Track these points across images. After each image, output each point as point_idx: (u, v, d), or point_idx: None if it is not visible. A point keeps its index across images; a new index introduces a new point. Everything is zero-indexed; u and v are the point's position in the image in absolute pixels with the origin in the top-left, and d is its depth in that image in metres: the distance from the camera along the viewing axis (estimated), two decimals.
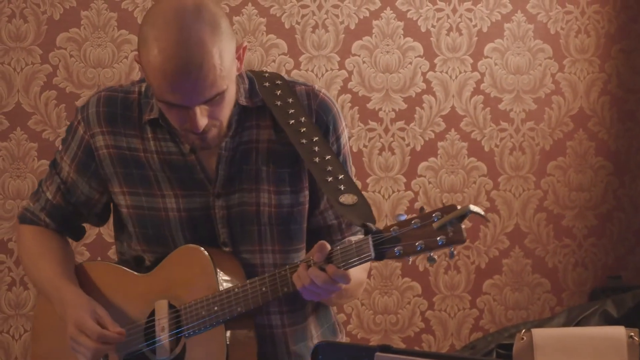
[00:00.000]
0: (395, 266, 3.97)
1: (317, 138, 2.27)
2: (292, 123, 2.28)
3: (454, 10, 3.97)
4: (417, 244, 2.02)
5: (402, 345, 3.97)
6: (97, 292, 2.39)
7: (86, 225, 2.52)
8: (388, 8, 3.90)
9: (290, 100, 2.30)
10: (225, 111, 2.20)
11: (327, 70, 3.86)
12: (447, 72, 3.97)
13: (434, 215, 2.01)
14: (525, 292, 4.10)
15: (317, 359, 2.05)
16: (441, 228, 2.00)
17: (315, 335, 2.42)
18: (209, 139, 2.22)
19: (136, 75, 3.65)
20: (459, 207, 1.99)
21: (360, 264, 2.10)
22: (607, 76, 4.14)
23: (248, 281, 2.23)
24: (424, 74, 3.95)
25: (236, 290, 2.22)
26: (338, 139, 2.34)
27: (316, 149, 2.25)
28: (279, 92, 2.31)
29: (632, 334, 2.55)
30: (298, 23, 3.83)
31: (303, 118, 2.28)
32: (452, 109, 3.99)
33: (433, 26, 3.95)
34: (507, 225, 4.08)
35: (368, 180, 3.91)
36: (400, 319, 3.99)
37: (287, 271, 2.18)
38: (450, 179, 4.00)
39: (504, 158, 4.05)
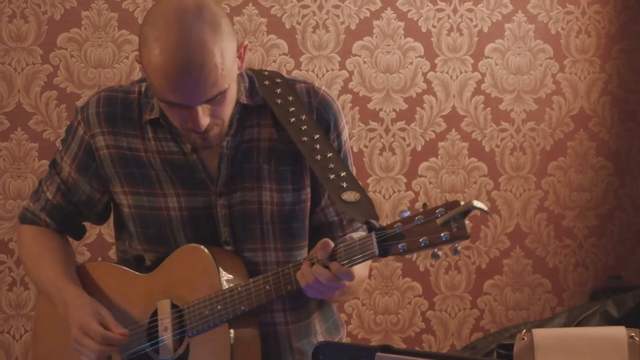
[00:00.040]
0: (395, 266, 3.97)
1: (318, 136, 2.27)
2: (293, 121, 2.28)
3: (455, 11, 3.97)
4: (420, 240, 2.02)
5: (403, 346, 3.97)
6: (99, 292, 2.39)
7: (87, 225, 2.52)
8: (389, 8, 3.90)
9: (291, 98, 2.30)
10: (227, 110, 2.21)
11: (327, 71, 3.86)
12: (447, 73, 3.97)
13: (437, 211, 2.01)
14: (525, 292, 4.10)
15: (318, 359, 2.05)
16: (445, 224, 2.00)
17: (320, 331, 2.42)
18: (210, 138, 2.22)
19: (137, 75, 3.65)
20: (462, 202, 1.99)
21: (364, 261, 2.10)
22: (608, 76, 4.14)
23: (251, 280, 2.23)
24: (424, 74, 3.95)
25: (239, 289, 2.22)
26: (339, 136, 2.34)
27: (317, 146, 2.26)
28: (279, 91, 2.32)
29: (633, 334, 2.55)
30: (299, 23, 3.83)
31: (304, 116, 2.29)
32: (453, 109, 3.99)
33: (434, 26, 3.95)
34: (508, 226, 4.08)
35: (369, 181, 3.91)
36: (400, 319, 3.99)
37: (290, 269, 2.18)
38: (451, 179, 4.00)
39: (505, 158, 4.05)
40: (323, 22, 3.85)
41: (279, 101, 2.30)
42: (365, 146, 3.92)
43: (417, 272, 3.99)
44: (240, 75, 2.28)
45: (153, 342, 2.31)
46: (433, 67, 3.96)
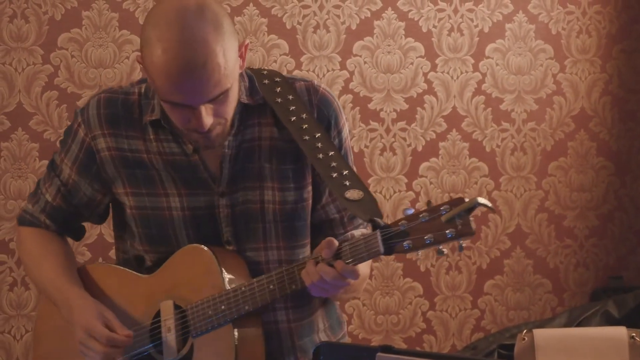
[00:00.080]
0: (396, 266, 3.97)
1: (319, 134, 2.27)
2: (294, 120, 2.28)
3: (455, 11, 3.97)
4: (426, 237, 2.02)
5: (404, 346, 3.97)
6: (100, 294, 2.38)
7: (87, 225, 2.52)
8: (389, 8, 3.90)
9: (291, 97, 2.31)
10: (230, 109, 2.21)
11: (328, 71, 3.86)
12: (448, 73, 3.97)
13: (442, 208, 2.01)
14: (526, 292, 4.10)
15: (319, 359, 2.05)
16: (450, 221, 2.00)
17: (322, 328, 2.42)
18: (213, 137, 2.22)
19: (137, 75, 3.65)
20: (466, 199, 2.00)
21: (369, 259, 2.11)
22: (609, 76, 4.14)
23: (255, 280, 2.23)
24: (425, 75, 3.95)
25: (243, 288, 2.22)
26: (339, 133, 2.34)
27: (319, 145, 2.26)
28: (278, 89, 2.32)
29: (634, 334, 2.55)
30: (299, 23, 3.83)
31: (304, 114, 2.29)
32: (454, 110, 3.99)
33: (434, 26, 3.95)
34: (509, 226, 4.08)
35: (369, 181, 3.91)
36: (401, 319, 3.99)
37: (294, 268, 2.18)
38: (452, 179, 4.00)
39: (505, 158, 4.05)
40: (324, 22, 3.85)
41: (279, 100, 2.30)
42: (366, 146, 3.92)
43: (417, 272, 3.99)
44: (240, 74, 2.28)
45: (157, 342, 2.30)
46: (434, 67, 3.96)
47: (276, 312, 2.34)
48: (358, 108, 3.90)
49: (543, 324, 3.84)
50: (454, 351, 4.00)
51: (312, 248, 2.38)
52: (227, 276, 2.25)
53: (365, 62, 3.90)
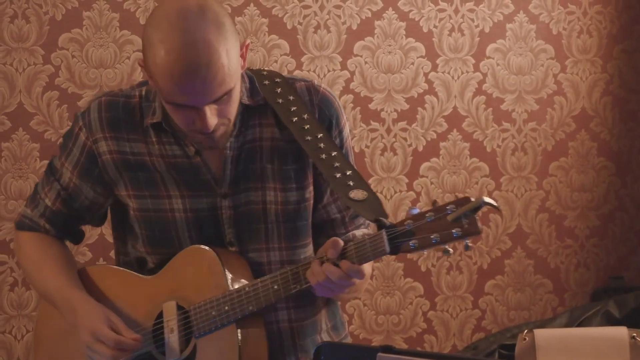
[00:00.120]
0: (397, 266, 3.97)
1: (321, 135, 2.27)
2: (296, 120, 2.28)
3: (456, 11, 3.97)
4: (432, 236, 2.03)
5: (404, 346, 3.97)
6: (102, 296, 2.38)
7: (88, 226, 2.52)
8: (390, 8, 3.90)
9: (292, 97, 2.31)
10: (233, 109, 2.21)
11: (329, 71, 3.86)
12: (449, 73, 3.97)
13: (447, 208, 2.02)
14: (527, 292, 4.10)
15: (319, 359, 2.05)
16: (456, 220, 2.01)
17: (325, 328, 2.42)
18: (217, 138, 2.22)
19: (138, 75, 3.65)
20: (472, 199, 2.00)
21: (375, 258, 2.12)
22: (609, 76, 4.14)
23: (259, 280, 2.23)
24: (426, 75, 3.95)
25: (247, 289, 2.22)
26: (340, 132, 2.35)
27: (322, 145, 2.26)
28: (279, 90, 2.32)
29: (635, 334, 2.55)
30: (300, 23, 3.83)
31: (306, 115, 2.29)
32: (454, 110, 3.99)
33: (435, 26, 3.95)
34: (509, 226, 4.08)
35: (370, 181, 3.91)
36: (402, 319, 3.99)
37: (299, 268, 2.19)
38: (452, 179, 4.00)
39: (506, 158, 4.05)
40: (324, 23, 3.85)
41: (280, 101, 2.30)
42: (367, 146, 3.92)
43: (418, 272, 3.99)
44: (240, 75, 2.28)
45: (160, 343, 2.30)
46: (434, 68, 3.96)
47: (277, 312, 2.34)
48: (359, 108, 3.90)
49: (544, 324, 3.84)
50: (455, 351, 4.00)
51: (314, 248, 2.38)
52: (230, 277, 2.25)
53: (366, 62, 3.90)
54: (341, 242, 2.13)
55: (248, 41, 2.25)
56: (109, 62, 3.67)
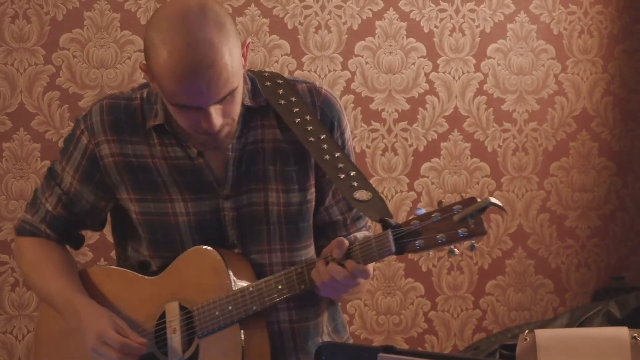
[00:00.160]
0: (398, 267, 3.97)
1: (324, 135, 2.28)
2: (298, 121, 2.28)
3: (457, 11, 3.97)
4: (438, 236, 2.04)
5: (405, 346, 3.96)
6: (103, 297, 2.38)
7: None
8: (391, 9, 3.90)
9: (294, 99, 2.31)
10: (237, 109, 2.21)
11: (330, 71, 3.86)
12: (450, 73, 3.97)
13: (454, 208, 2.02)
14: (528, 292, 4.10)
15: None
16: (462, 220, 2.02)
17: (327, 331, 2.42)
18: (222, 138, 2.22)
19: (139, 76, 3.65)
20: (478, 199, 2.01)
21: (380, 258, 2.12)
22: (610, 77, 4.14)
23: (263, 280, 2.23)
24: (426, 75, 3.95)
25: (251, 289, 2.22)
26: (342, 134, 2.35)
27: (325, 146, 2.26)
28: (281, 91, 2.32)
29: (635, 334, 2.55)
30: (301, 24, 3.83)
31: (308, 116, 2.29)
32: (455, 110, 3.99)
33: (436, 27, 3.95)
34: (510, 226, 4.08)
35: (371, 181, 3.89)
36: (403, 319, 3.99)
37: (304, 268, 2.19)
38: (453, 179, 4.00)
39: (507, 159, 4.05)
40: (325, 23, 3.85)
41: (282, 102, 2.30)
42: (368, 147, 3.92)
43: (419, 272, 3.99)
44: (243, 75, 2.28)
45: (162, 344, 2.30)
46: (435, 68, 3.96)
47: (278, 312, 2.34)
48: (360, 108, 3.90)
49: (545, 324, 3.84)
50: (456, 351, 4.00)
51: (315, 251, 2.38)
52: (234, 278, 2.25)
53: (366, 63, 3.90)
54: (346, 242, 2.14)
55: (248, 40, 2.25)
56: (110, 62, 3.67)
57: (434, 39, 3.95)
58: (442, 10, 3.95)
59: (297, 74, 3.79)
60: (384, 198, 3.89)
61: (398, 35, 3.92)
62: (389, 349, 1.92)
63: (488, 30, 4.00)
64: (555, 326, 3.76)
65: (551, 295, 4.13)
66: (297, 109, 2.30)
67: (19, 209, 3.58)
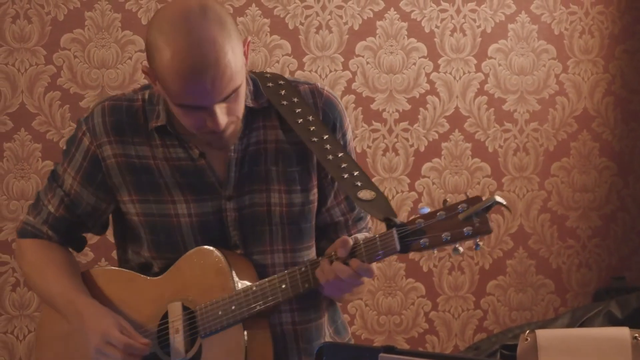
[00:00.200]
0: (399, 267, 3.97)
1: (327, 136, 2.28)
2: (301, 122, 2.29)
3: (458, 11, 3.97)
4: (443, 235, 2.04)
5: (406, 346, 3.97)
6: (106, 298, 2.38)
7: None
8: (392, 9, 3.90)
9: (296, 99, 2.31)
10: (241, 107, 2.22)
11: (330, 71, 3.86)
12: (451, 73, 3.97)
13: (459, 206, 2.02)
14: (529, 293, 4.10)
15: None
16: (467, 219, 2.02)
17: (328, 333, 2.42)
18: (227, 137, 2.22)
19: (140, 76, 3.65)
20: (483, 198, 2.01)
21: (385, 257, 2.12)
22: (611, 77, 4.14)
23: (267, 279, 2.23)
24: (427, 75, 3.95)
25: (254, 288, 2.23)
26: (344, 135, 2.35)
27: (328, 146, 2.27)
28: (283, 92, 2.32)
29: (637, 334, 2.55)
30: (302, 24, 3.83)
31: (310, 117, 2.29)
32: (456, 110, 3.99)
33: (437, 27, 3.95)
34: (511, 226, 4.08)
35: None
36: (404, 319, 3.99)
37: (308, 267, 2.19)
38: (454, 179, 4.00)
39: (508, 159, 4.05)
40: (326, 23, 3.85)
41: (285, 103, 2.31)
42: (369, 147, 3.92)
43: (420, 272, 3.99)
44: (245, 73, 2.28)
45: (165, 343, 2.30)
46: (436, 68, 3.96)
47: (281, 314, 2.34)
48: (360, 108, 3.90)
49: (546, 324, 3.84)
50: (457, 352, 4.00)
51: (317, 252, 2.38)
52: (237, 278, 2.25)
53: (367, 63, 3.90)
54: (350, 241, 2.14)
55: (249, 38, 2.26)
56: (111, 63, 3.67)
57: (435, 39, 3.95)
58: (443, 11, 3.95)
59: (298, 74, 3.79)
60: None
61: (399, 35, 3.92)
62: (390, 349, 1.92)
63: (489, 30, 4.00)
64: (556, 326, 3.76)
65: (552, 295, 4.13)
66: (300, 110, 2.30)
67: (19, 209, 3.59)
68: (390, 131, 3.93)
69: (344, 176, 2.24)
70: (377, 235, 2.12)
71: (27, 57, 3.60)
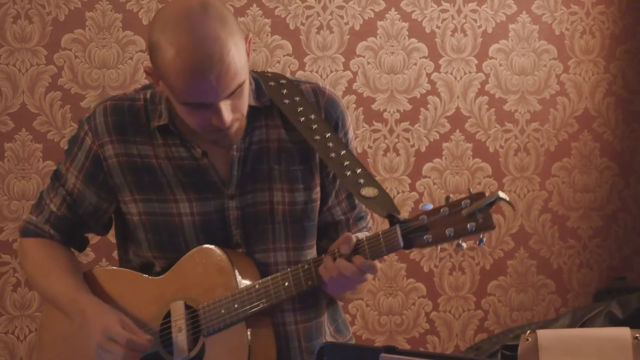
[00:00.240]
0: (400, 267, 3.97)
1: (329, 134, 2.29)
2: (303, 120, 2.29)
3: (459, 11, 3.97)
4: (446, 231, 2.05)
5: (407, 346, 3.97)
6: (109, 298, 2.38)
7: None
8: (393, 9, 3.90)
9: (298, 98, 2.31)
10: (246, 103, 2.22)
11: (331, 71, 3.86)
12: (451, 73, 3.97)
13: (462, 202, 2.03)
14: (530, 293, 4.10)
15: None
16: (470, 215, 2.03)
17: (329, 331, 2.43)
18: (232, 134, 2.22)
19: (141, 76, 3.65)
20: (486, 194, 2.01)
21: (388, 253, 2.13)
22: (612, 77, 4.14)
23: (269, 277, 2.24)
24: (428, 75, 3.95)
25: (257, 287, 2.23)
26: (346, 134, 2.36)
27: (330, 145, 2.27)
28: (285, 91, 2.33)
29: (637, 335, 2.55)
30: (303, 24, 3.83)
31: (313, 115, 2.30)
32: (457, 110, 3.99)
33: (438, 27, 3.95)
34: (512, 227, 4.08)
35: None
36: (405, 320, 3.99)
37: (311, 265, 2.20)
38: (455, 179, 4.00)
39: (509, 159, 4.05)
40: (327, 23, 3.85)
41: (287, 101, 2.31)
42: (370, 147, 3.92)
43: (421, 273, 3.99)
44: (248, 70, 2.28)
45: (168, 343, 2.30)
46: (437, 68, 3.96)
47: (284, 314, 2.34)
48: (361, 109, 3.90)
49: (546, 324, 3.84)
50: (458, 352, 4.00)
51: (317, 251, 2.39)
52: (239, 276, 2.25)
53: (368, 63, 3.90)
54: (354, 238, 2.15)
55: (250, 35, 2.26)
56: (112, 63, 3.67)
57: (436, 40, 3.95)
58: (444, 11, 3.95)
59: (299, 74, 3.80)
60: None
61: (400, 35, 3.92)
62: (390, 350, 1.92)
63: (490, 30, 4.00)
64: (557, 326, 3.76)
65: (553, 295, 4.12)
66: (302, 109, 2.30)
67: (21, 209, 3.59)
68: (391, 131, 3.93)
69: (346, 174, 2.24)
70: (380, 232, 2.12)
71: (28, 57, 3.60)
